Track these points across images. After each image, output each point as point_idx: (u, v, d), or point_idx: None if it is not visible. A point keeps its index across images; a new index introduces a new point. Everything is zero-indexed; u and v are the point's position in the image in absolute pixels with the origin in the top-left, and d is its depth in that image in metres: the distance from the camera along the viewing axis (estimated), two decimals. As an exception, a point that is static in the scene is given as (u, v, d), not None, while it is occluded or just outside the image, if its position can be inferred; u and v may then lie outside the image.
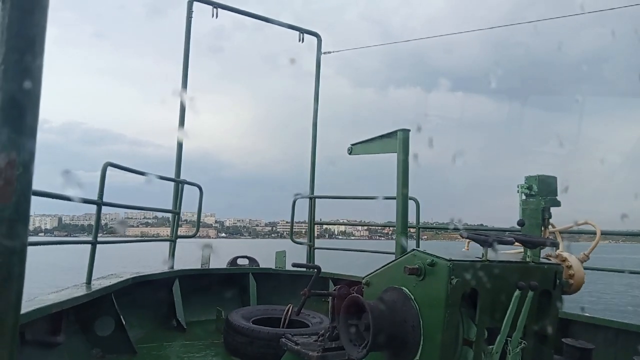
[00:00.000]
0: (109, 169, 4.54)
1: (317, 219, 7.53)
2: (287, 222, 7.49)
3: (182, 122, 6.69)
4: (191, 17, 6.83)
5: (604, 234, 3.34)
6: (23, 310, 3.03)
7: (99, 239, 4.54)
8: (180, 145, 6.67)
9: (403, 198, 3.83)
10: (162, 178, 6.11)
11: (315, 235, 7.51)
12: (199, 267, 6.41)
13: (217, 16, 7.01)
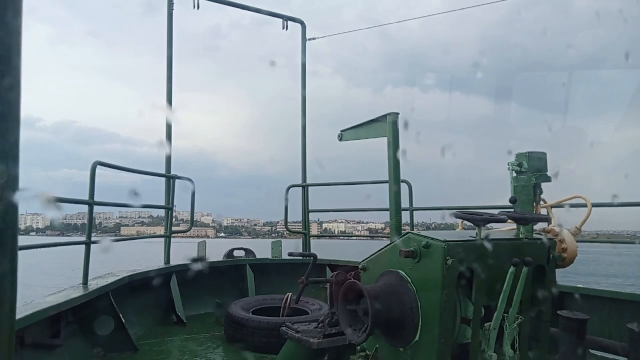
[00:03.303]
0: (102, 169, 4.51)
1: (315, 218, 7.55)
2: (289, 222, 7.49)
3: (168, 134, 6.63)
4: (172, 9, 6.73)
5: (595, 205, 3.37)
6: (21, 314, 3.02)
7: (93, 239, 4.52)
8: (169, 128, 6.60)
9: (395, 179, 3.84)
10: (152, 174, 6.07)
11: (316, 234, 7.53)
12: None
13: (198, 7, 6.92)
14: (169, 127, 6.60)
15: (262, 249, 7.10)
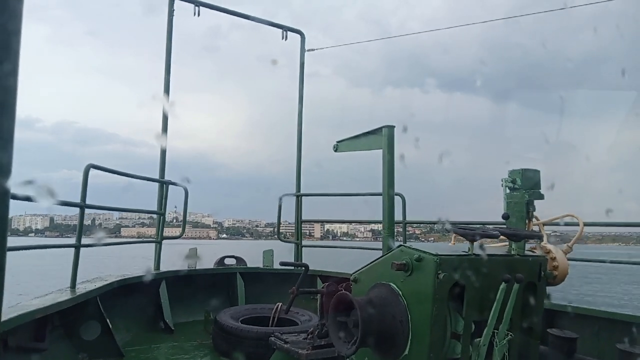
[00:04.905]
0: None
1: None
2: (289, 223, 7.47)
3: (165, 126, 6.61)
4: (172, 16, 6.75)
5: (587, 225, 3.39)
6: (5, 317, 2.97)
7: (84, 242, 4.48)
8: (166, 120, 6.57)
9: (389, 193, 3.85)
10: (146, 179, 6.04)
11: (319, 236, 7.53)
12: (186, 268, 6.36)
13: (199, 14, 6.95)
14: (165, 119, 6.56)
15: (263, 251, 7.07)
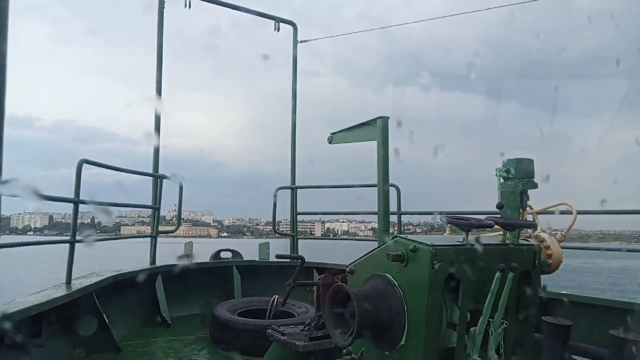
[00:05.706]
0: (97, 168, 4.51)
1: (317, 217, 7.55)
2: (289, 222, 7.47)
3: (157, 123, 6.59)
4: (163, 8, 6.70)
5: (580, 213, 3.41)
6: (0, 314, 2.95)
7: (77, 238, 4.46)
8: (158, 120, 6.58)
9: (383, 183, 3.85)
10: (140, 173, 6.00)
11: (320, 234, 7.53)
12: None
13: (189, 6, 6.90)
14: (157, 119, 6.56)
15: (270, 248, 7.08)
